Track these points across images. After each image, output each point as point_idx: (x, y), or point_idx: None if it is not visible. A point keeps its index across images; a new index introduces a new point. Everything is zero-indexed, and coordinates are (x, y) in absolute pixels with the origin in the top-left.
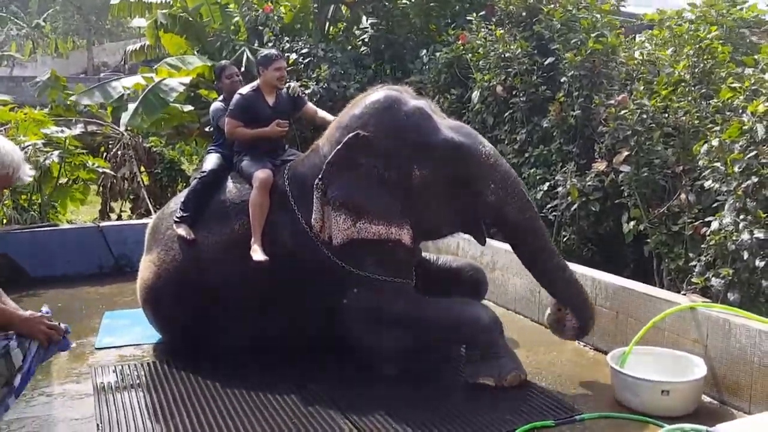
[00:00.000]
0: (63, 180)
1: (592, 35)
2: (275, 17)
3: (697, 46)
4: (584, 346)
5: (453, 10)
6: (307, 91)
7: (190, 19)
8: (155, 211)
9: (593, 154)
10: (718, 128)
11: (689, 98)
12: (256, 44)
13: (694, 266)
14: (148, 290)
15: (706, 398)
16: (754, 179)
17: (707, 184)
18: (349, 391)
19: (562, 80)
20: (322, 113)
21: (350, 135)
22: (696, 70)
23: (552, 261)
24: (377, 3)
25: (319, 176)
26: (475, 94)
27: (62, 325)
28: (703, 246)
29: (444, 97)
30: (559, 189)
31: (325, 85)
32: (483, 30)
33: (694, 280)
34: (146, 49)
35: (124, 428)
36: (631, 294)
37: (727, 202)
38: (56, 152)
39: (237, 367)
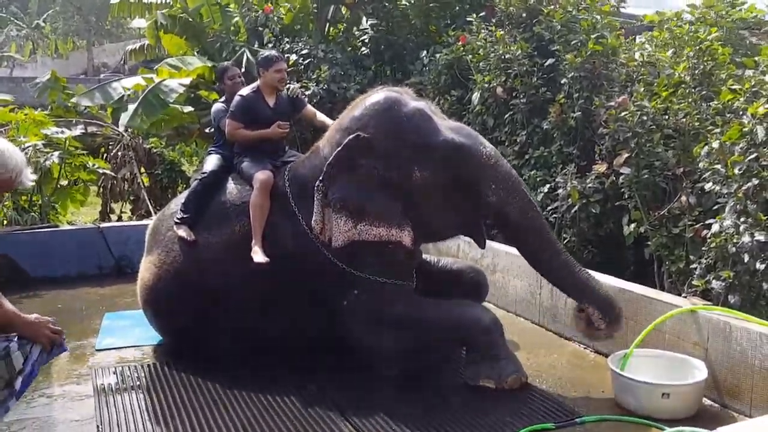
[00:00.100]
0: (63, 181)
1: (593, 36)
2: (275, 18)
3: (697, 47)
4: (585, 348)
5: (453, 11)
6: (307, 92)
7: (190, 19)
8: (155, 212)
9: (593, 155)
10: (718, 130)
11: (689, 100)
12: (256, 45)
13: (695, 269)
14: (149, 291)
15: (706, 401)
16: (755, 181)
17: (708, 186)
18: (349, 392)
19: (562, 82)
20: (321, 116)
21: (350, 137)
22: (696, 71)
23: (558, 259)
24: (377, 4)
25: (320, 178)
26: (475, 96)
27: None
28: (703, 248)
29: (444, 99)
30: (560, 191)
31: (325, 86)
32: (483, 31)
33: (694, 282)
34: (146, 50)
35: (125, 430)
36: (631, 296)
37: (728, 204)
38: (56, 153)
39: (237, 368)
